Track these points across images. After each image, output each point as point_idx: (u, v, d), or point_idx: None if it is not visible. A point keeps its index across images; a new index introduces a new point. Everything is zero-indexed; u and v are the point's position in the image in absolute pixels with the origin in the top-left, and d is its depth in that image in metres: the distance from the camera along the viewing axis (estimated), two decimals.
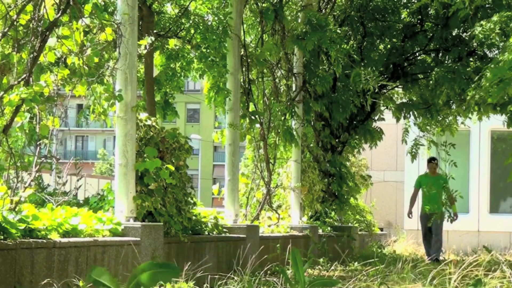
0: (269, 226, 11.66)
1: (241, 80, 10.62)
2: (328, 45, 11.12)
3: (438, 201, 14.22)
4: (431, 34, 13.96)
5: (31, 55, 6.26)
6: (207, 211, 9.09)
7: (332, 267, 10.77)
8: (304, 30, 11.49)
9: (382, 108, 15.01)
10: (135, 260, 6.66)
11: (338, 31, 11.69)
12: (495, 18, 9.35)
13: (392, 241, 20.39)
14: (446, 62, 13.67)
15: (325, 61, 13.52)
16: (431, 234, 14.32)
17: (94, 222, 6.56)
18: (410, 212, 14.70)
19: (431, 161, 14.65)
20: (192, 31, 10.51)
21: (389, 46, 14.17)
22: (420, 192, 14.72)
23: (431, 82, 13.06)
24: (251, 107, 11.28)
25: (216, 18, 10.30)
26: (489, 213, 22.02)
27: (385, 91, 14.57)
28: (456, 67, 12.91)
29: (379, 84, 11.24)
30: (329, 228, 13.53)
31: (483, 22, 9.42)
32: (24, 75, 6.26)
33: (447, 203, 14.32)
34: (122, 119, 7.07)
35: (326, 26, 11.25)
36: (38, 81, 6.36)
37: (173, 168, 7.47)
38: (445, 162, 15.10)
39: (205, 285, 6.95)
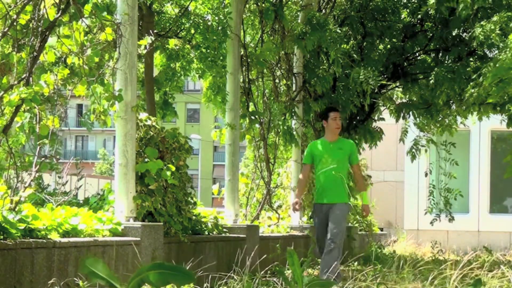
0: (269, 226, 11.67)
1: (241, 80, 10.62)
2: (328, 45, 11.12)
3: (338, 184, 8.41)
4: (431, 34, 13.95)
5: (31, 55, 6.27)
6: (207, 211, 9.09)
7: None
8: (304, 30, 11.49)
9: (382, 108, 14.99)
10: (135, 260, 6.66)
11: (338, 31, 11.69)
12: (495, 18, 9.35)
13: (392, 241, 20.39)
14: (446, 62, 13.65)
15: (325, 61, 13.51)
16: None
17: (94, 222, 6.56)
18: (296, 203, 8.57)
19: (330, 113, 8.68)
20: (192, 31, 10.52)
21: (389, 46, 14.16)
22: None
23: (431, 82, 13.03)
24: (251, 107, 11.28)
25: (216, 18, 10.31)
26: (489, 213, 22.03)
27: (385, 91, 14.56)
28: (456, 67, 12.89)
29: (379, 84, 11.22)
30: None
31: (483, 23, 9.42)
32: (24, 75, 6.26)
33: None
34: (122, 119, 7.07)
35: (326, 26, 11.25)
36: (38, 81, 6.37)
37: (174, 169, 7.47)
38: (445, 162, 15.05)
39: (205, 285, 6.95)
